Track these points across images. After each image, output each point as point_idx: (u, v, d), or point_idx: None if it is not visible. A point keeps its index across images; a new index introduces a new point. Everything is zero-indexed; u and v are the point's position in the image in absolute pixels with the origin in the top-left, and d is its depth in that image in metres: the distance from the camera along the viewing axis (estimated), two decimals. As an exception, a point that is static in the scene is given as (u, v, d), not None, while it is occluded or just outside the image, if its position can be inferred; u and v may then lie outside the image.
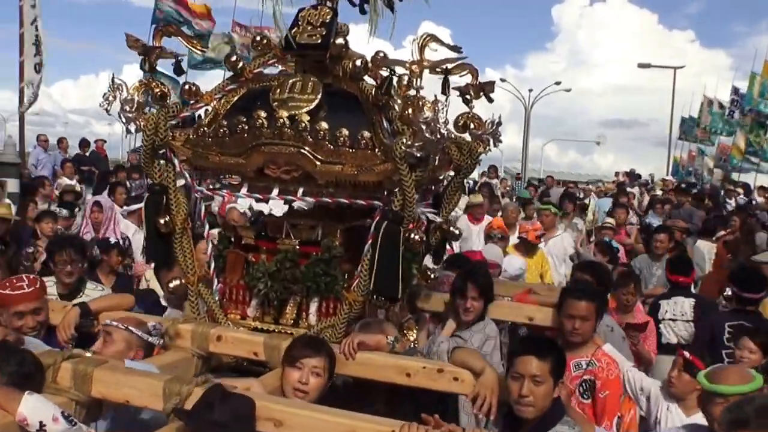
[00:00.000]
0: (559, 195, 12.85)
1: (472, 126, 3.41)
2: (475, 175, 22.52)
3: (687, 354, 3.79)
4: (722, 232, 8.96)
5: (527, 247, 7.24)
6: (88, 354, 2.88)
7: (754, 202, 15.16)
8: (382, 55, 3.39)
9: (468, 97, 3.31)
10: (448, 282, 4.26)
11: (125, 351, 3.05)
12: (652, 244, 7.64)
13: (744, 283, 5.30)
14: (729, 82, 26.13)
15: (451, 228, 3.79)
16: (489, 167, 21.67)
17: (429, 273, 3.79)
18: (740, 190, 16.95)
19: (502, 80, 34.57)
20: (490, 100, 3.23)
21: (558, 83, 36.76)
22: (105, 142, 18.85)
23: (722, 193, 17.08)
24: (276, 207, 3.26)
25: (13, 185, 11.60)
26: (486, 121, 3.40)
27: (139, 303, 3.93)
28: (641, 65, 33.71)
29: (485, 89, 3.27)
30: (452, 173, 3.56)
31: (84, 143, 17.35)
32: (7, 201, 8.09)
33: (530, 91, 36.51)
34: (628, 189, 15.99)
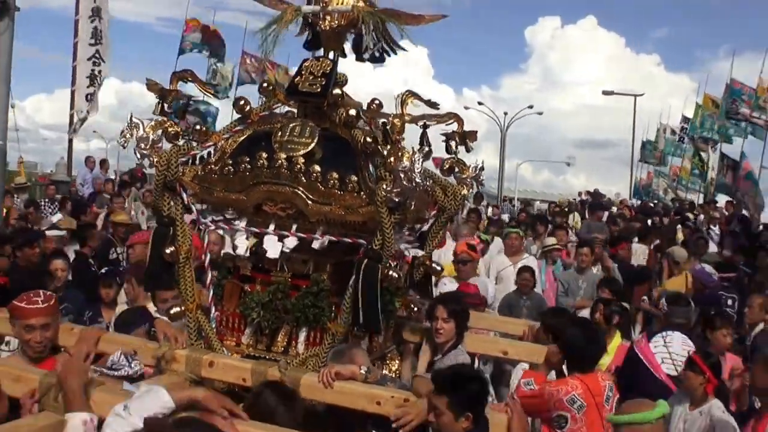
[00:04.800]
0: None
1: (457, 170, 3.64)
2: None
3: (692, 354, 4.39)
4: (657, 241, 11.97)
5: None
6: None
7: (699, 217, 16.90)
8: (377, 103, 3.63)
9: (453, 143, 3.55)
10: None
11: None
12: (578, 258, 8.43)
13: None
14: (689, 105, 27.95)
15: (433, 264, 3.94)
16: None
17: (412, 306, 3.94)
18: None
19: (480, 103, 37.67)
20: (469, 150, 3.47)
21: (530, 107, 37.96)
22: (143, 166, 19.87)
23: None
24: (271, 248, 3.49)
25: (64, 201, 12.71)
26: (470, 165, 3.64)
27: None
28: (605, 92, 35.53)
29: (468, 137, 3.54)
30: (435, 213, 3.73)
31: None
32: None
33: (505, 114, 38.33)
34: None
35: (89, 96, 16.30)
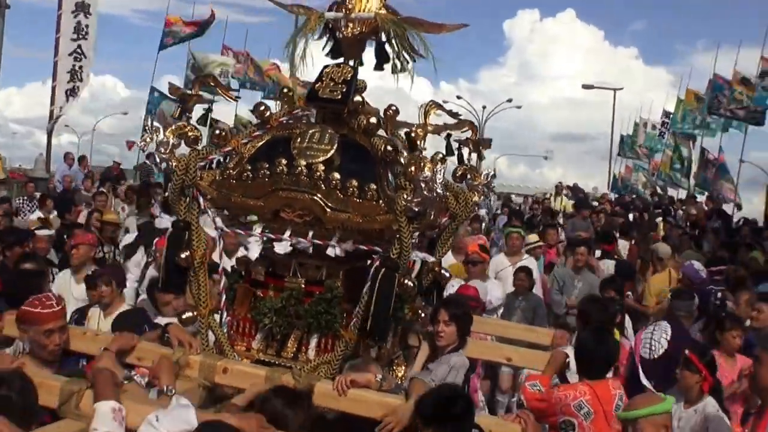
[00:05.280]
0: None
1: (469, 177, 3.69)
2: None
3: (687, 353, 4.36)
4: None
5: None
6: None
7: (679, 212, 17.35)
8: (393, 109, 3.64)
9: (468, 149, 3.61)
10: None
11: None
12: (574, 257, 8.24)
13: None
14: (671, 99, 28.05)
15: (442, 271, 3.98)
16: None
17: (420, 312, 3.95)
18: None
19: (459, 97, 37.68)
20: (481, 158, 3.52)
21: (509, 101, 38.18)
22: (120, 164, 20.22)
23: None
24: (280, 246, 3.51)
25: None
26: (482, 173, 3.69)
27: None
28: (585, 86, 35.51)
29: (482, 145, 3.60)
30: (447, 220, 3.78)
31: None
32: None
33: (484, 107, 38.45)
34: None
35: (69, 91, 16.19)
